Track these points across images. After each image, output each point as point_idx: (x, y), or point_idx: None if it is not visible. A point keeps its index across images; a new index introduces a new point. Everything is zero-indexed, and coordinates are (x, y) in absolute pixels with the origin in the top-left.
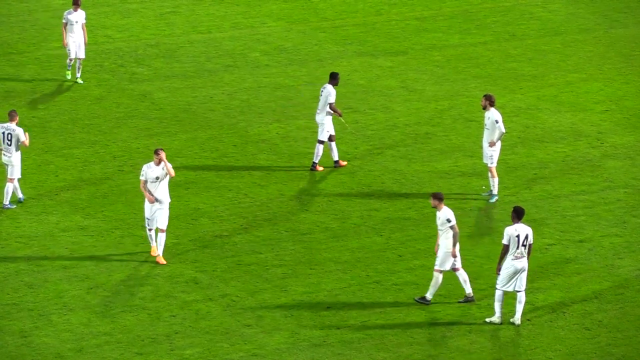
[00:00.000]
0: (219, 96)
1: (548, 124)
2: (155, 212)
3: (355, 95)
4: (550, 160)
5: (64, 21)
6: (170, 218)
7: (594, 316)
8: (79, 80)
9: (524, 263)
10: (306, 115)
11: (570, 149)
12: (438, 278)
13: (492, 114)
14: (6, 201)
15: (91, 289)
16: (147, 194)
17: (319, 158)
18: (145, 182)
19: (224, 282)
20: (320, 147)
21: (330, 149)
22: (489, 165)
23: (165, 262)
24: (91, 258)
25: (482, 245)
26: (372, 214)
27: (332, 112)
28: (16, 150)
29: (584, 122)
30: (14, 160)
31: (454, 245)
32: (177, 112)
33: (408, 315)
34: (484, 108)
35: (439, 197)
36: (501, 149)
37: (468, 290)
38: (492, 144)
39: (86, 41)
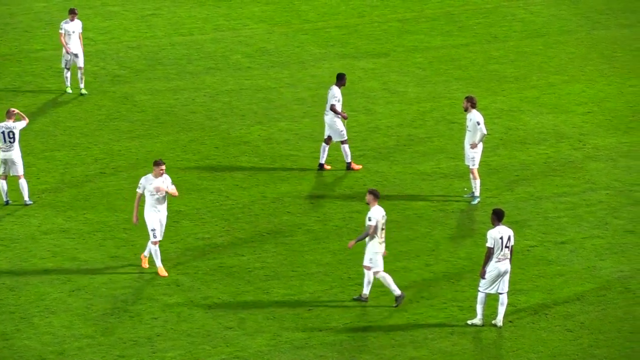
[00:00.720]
0: (201, 98)
1: (530, 125)
2: (159, 222)
3: None
4: (532, 162)
5: (61, 31)
6: None
7: (576, 318)
8: (84, 91)
9: (507, 265)
10: (288, 117)
11: (552, 151)
12: (385, 277)
13: (474, 116)
14: (26, 197)
15: (73, 291)
16: (135, 211)
17: (349, 157)
18: (142, 195)
19: (206, 285)
20: (346, 146)
21: (322, 149)
22: (471, 167)
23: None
24: (73, 261)
25: (463, 247)
26: (354, 216)
27: (335, 113)
28: (17, 146)
29: (566, 124)
30: (15, 156)
31: (357, 240)
32: (158, 114)
33: (390, 317)
34: (466, 110)
35: (374, 194)
36: (483, 151)
37: (366, 290)
38: (473, 146)
39: (83, 50)
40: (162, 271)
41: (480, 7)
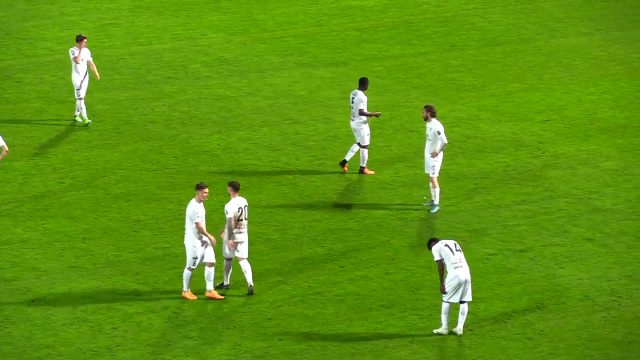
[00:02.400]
0: (160, 108)
1: (489, 134)
2: (205, 250)
3: (296, 106)
4: (491, 170)
5: (73, 56)
6: (111, 230)
7: (536, 326)
8: (78, 119)
9: (466, 274)
10: (247, 126)
11: (511, 159)
12: (226, 265)
13: (434, 125)
14: None
15: (32, 301)
16: (211, 235)
17: (365, 162)
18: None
19: (166, 294)
20: (365, 151)
21: (359, 153)
22: (431, 175)
23: (221, 297)
24: (32, 271)
25: (423, 255)
26: (314, 225)
27: (366, 116)
28: None
29: (525, 132)
30: None
31: (228, 236)
32: (117, 124)
33: (350, 327)
34: (426, 119)
35: (232, 186)
36: (442, 159)
37: (249, 281)
38: (434, 155)
39: (98, 77)
40: (191, 295)
41: (439, 16)
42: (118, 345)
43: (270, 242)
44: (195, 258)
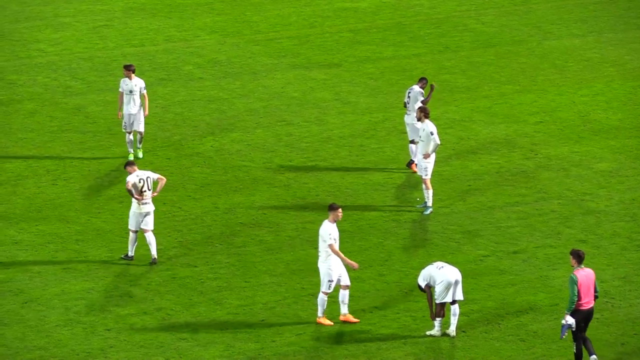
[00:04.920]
0: (153, 109)
1: (482, 135)
2: (341, 272)
3: (289, 108)
4: (485, 172)
5: (120, 90)
6: (104, 232)
7: (529, 327)
8: (139, 154)
9: (454, 274)
10: (240, 128)
11: (504, 161)
12: (131, 236)
13: (427, 126)
14: None
15: (25, 303)
16: (350, 260)
17: (415, 157)
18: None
19: (159, 296)
20: (414, 146)
21: (411, 150)
22: (423, 177)
23: (356, 320)
24: (25, 272)
25: (416, 257)
26: (307, 227)
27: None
28: None
29: (518, 134)
30: None
31: (131, 195)
32: (110, 125)
33: (343, 328)
34: (419, 120)
35: (128, 163)
36: (435, 161)
37: (153, 252)
38: (426, 156)
39: (147, 112)
40: (326, 321)
41: (432, 18)
42: (111, 347)
43: (263, 244)
44: (331, 281)
